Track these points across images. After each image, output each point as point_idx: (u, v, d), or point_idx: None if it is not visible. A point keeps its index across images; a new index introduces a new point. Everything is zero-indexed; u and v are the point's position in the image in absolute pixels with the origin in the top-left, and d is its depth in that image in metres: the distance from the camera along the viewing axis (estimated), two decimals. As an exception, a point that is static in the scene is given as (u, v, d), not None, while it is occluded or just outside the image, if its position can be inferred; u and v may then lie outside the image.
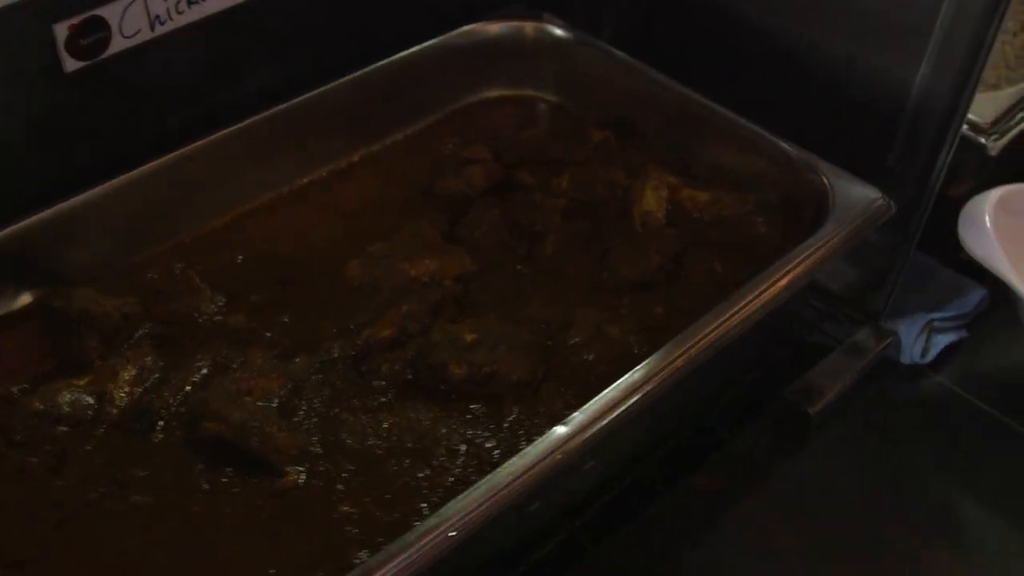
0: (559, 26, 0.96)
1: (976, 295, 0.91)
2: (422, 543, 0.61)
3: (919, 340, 0.88)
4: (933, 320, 0.89)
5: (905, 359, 0.88)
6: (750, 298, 0.74)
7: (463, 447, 0.72)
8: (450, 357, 0.75)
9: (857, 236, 0.80)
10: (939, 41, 0.82)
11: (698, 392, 0.80)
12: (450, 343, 0.75)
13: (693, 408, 0.81)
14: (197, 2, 0.81)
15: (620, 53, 0.95)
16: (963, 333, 0.90)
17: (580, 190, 0.90)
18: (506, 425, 0.73)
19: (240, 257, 0.84)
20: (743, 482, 0.81)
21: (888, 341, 0.88)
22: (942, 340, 0.89)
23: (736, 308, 0.73)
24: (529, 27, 0.95)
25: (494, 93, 0.98)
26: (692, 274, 0.83)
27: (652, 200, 0.88)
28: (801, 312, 0.87)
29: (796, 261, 0.76)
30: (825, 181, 0.83)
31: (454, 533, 0.62)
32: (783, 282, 0.75)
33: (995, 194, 0.85)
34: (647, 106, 0.94)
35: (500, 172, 0.91)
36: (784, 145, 0.86)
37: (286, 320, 0.80)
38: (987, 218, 0.83)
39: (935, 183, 0.85)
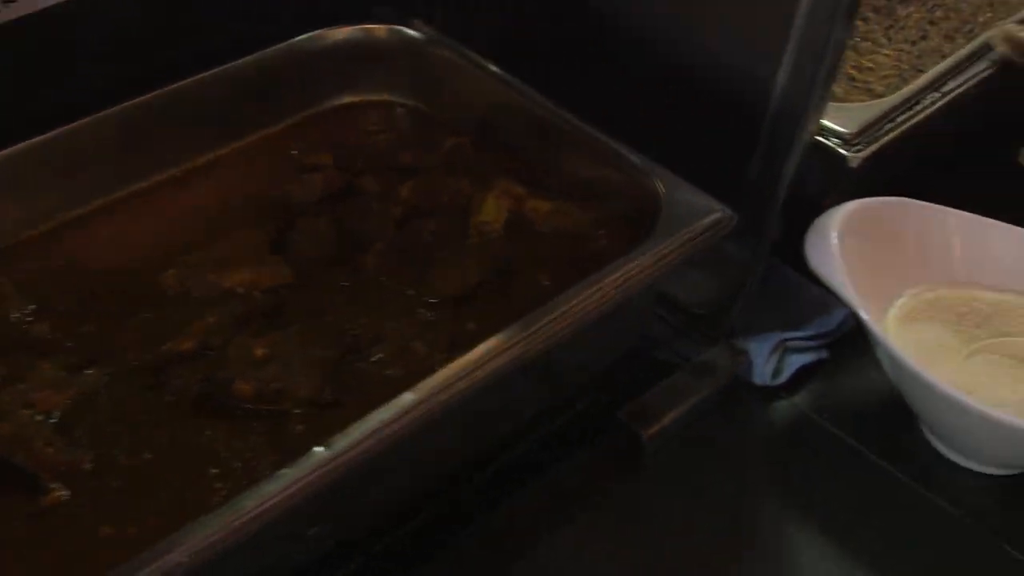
0: (415, 30, 0.92)
1: (840, 314, 0.86)
2: (147, 570, 0.57)
3: (771, 360, 0.83)
4: (786, 339, 0.84)
5: (757, 380, 0.84)
6: (551, 317, 0.69)
7: (239, 466, 0.68)
8: (239, 373, 0.71)
9: (687, 250, 0.75)
10: (797, 42, 0.77)
11: (505, 412, 0.76)
12: (242, 358, 0.72)
13: (505, 428, 0.77)
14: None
15: (479, 59, 0.91)
16: (823, 354, 0.86)
17: (421, 199, 0.86)
18: (288, 445, 0.69)
19: (60, 264, 0.81)
20: (565, 509, 0.77)
21: (738, 361, 0.83)
22: (796, 360, 0.84)
23: (534, 327, 0.69)
24: (381, 30, 0.92)
25: (350, 99, 0.94)
26: (517, 289, 0.79)
27: (492, 210, 0.84)
28: (632, 329, 0.83)
29: (608, 278, 0.72)
30: (661, 191, 0.79)
31: (185, 559, 0.58)
32: (594, 298, 0.71)
33: (844, 209, 0.80)
34: (504, 113, 0.90)
35: (342, 179, 0.87)
36: (628, 155, 0.82)
37: (90, 330, 0.76)
38: (833, 234, 0.79)
39: (781, 194, 0.80)
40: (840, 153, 0.84)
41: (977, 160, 1.03)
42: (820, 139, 0.84)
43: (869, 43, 1.03)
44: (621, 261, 0.73)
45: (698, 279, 0.86)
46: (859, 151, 0.85)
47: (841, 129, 0.85)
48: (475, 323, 0.76)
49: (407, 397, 0.65)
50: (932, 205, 0.84)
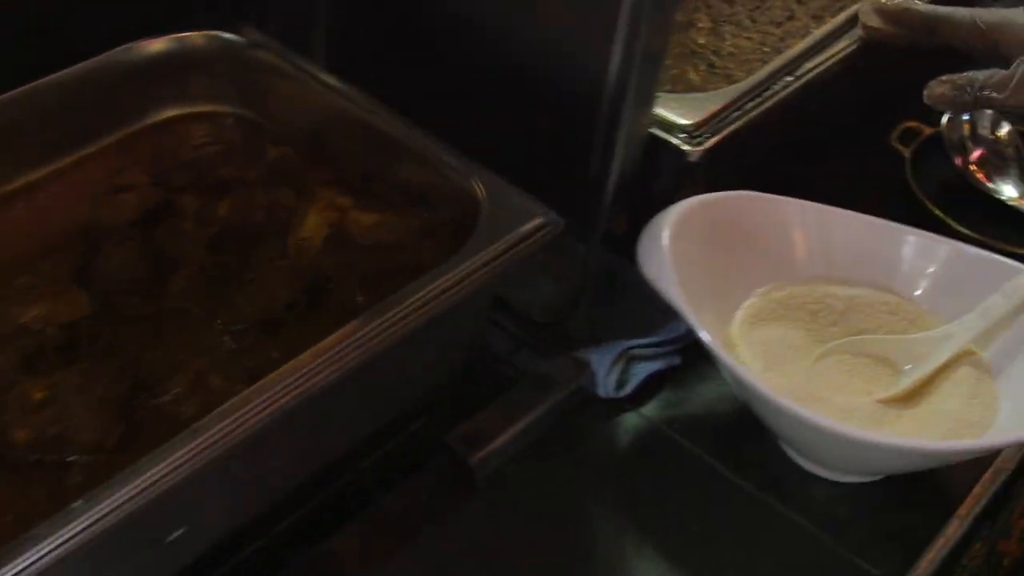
0: (240, 35, 0.87)
1: (691, 317, 0.81)
2: None
3: (614, 371, 0.78)
4: (631, 348, 0.79)
5: (601, 392, 0.79)
6: (341, 345, 0.64)
7: (9, 524, 0.63)
8: (16, 418, 0.66)
9: (503, 261, 0.70)
10: (625, 27, 0.72)
11: (315, 444, 0.70)
12: (20, 402, 0.66)
13: (319, 459, 0.72)
14: None
15: (306, 63, 0.86)
16: (674, 360, 0.81)
17: (239, 216, 0.81)
18: (68, 496, 0.64)
19: None
20: (393, 541, 0.72)
21: (580, 373, 0.78)
22: (643, 369, 0.79)
23: (326, 355, 0.64)
24: (198, 38, 0.86)
25: (174, 111, 0.89)
26: (330, 309, 0.73)
27: (313, 225, 0.79)
28: (457, 344, 0.78)
29: (412, 296, 0.67)
30: (481, 196, 0.74)
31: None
32: (397, 318, 0.66)
33: (678, 208, 0.75)
34: (333, 120, 0.85)
35: (158, 199, 0.82)
36: (449, 159, 0.77)
37: None
38: (665, 236, 0.73)
39: (608, 194, 0.75)
40: (678, 147, 0.79)
41: (848, 143, 0.98)
42: (658, 132, 0.79)
43: (732, 26, 0.98)
44: (426, 278, 0.68)
45: (538, 285, 0.81)
46: (700, 143, 0.79)
47: (681, 121, 0.80)
48: (281, 350, 0.71)
49: (177, 441, 0.59)
50: (777, 197, 0.79)
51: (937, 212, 0.91)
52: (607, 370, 0.78)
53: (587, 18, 0.76)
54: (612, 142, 0.74)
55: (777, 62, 0.89)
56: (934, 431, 0.70)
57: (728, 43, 0.97)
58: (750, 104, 0.84)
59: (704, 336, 0.69)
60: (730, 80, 0.92)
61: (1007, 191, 0.95)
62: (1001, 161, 0.96)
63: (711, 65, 0.94)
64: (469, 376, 0.79)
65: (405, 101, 0.83)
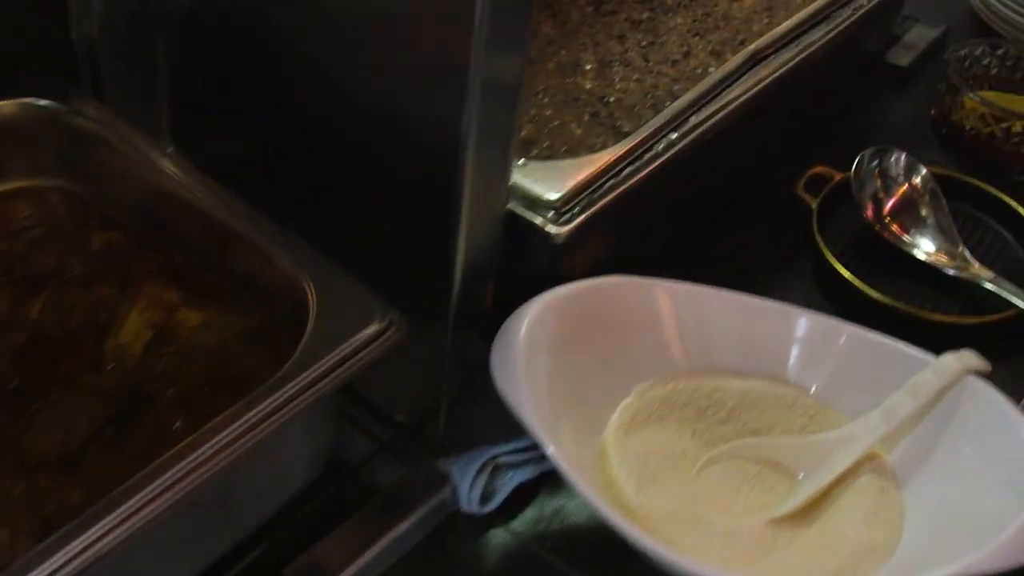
0: (57, 103, 0.77)
1: (566, 415, 0.72)
2: None
3: (478, 482, 0.69)
4: (497, 455, 0.70)
5: (464, 507, 0.70)
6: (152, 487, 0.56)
7: None
8: None
9: (330, 383, 0.61)
10: (478, 87, 0.63)
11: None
12: None
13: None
14: None
15: (135, 136, 0.76)
16: (547, 465, 0.71)
17: (53, 317, 0.71)
18: None
19: None
20: None
21: (439, 486, 0.70)
22: (512, 479, 0.71)
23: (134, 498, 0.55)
24: (8, 107, 0.77)
25: (-7, 189, 0.79)
26: (142, 435, 0.64)
27: (134, 327, 0.70)
28: (291, 468, 0.69)
29: (237, 421, 0.58)
30: (311, 297, 0.65)
31: None
32: (214, 450, 0.58)
33: (534, 306, 0.66)
34: (164, 199, 0.76)
35: (-38, 299, 0.72)
36: (282, 248, 0.68)
37: None
38: (518, 342, 0.64)
39: (454, 285, 0.66)
40: (541, 228, 0.70)
41: (752, 192, 0.89)
42: (519, 210, 0.70)
43: (623, 67, 0.89)
44: (253, 398, 0.60)
45: (396, 381, 0.72)
46: (569, 221, 0.70)
47: (547, 195, 0.71)
48: (83, 491, 0.62)
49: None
50: (649, 280, 0.70)
51: (845, 274, 0.82)
52: (471, 482, 0.69)
53: (433, 85, 0.66)
54: (455, 224, 0.65)
55: (665, 114, 0.80)
56: (829, 560, 0.62)
57: (617, 87, 0.88)
58: (629, 169, 0.75)
59: (556, 458, 0.60)
60: (616, 132, 0.83)
61: (924, 245, 0.86)
62: (916, 211, 0.87)
63: (595, 114, 0.84)
64: (318, 491, 0.70)
65: (250, 175, 0.74)
